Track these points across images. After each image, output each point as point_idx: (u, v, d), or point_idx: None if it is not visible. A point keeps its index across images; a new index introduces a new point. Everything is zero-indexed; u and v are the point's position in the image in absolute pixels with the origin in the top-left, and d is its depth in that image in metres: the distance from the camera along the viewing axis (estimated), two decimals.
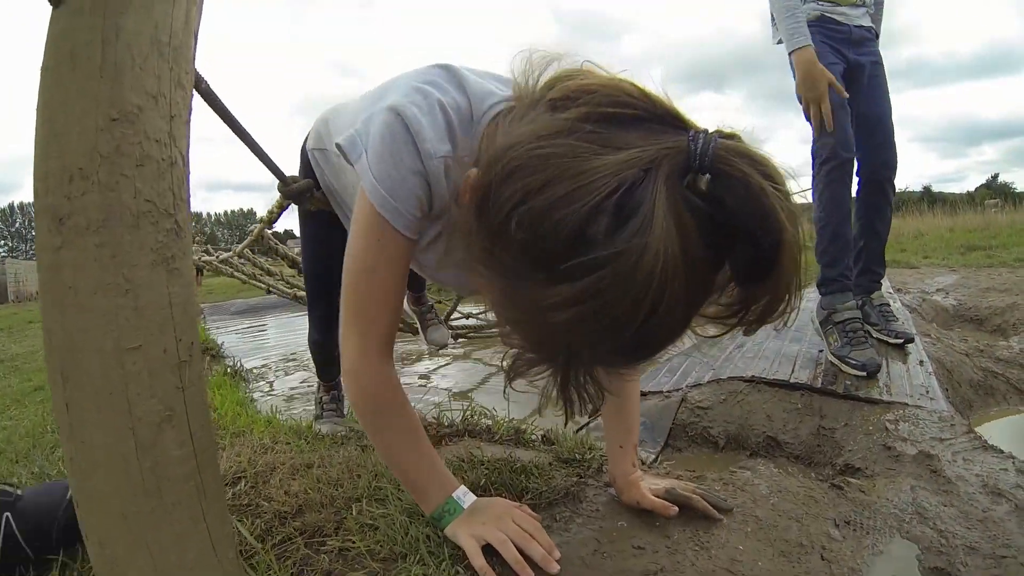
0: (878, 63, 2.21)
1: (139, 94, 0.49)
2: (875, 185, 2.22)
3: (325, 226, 1.36)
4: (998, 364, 2.44)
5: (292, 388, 3.95)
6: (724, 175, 0.48)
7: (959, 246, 8.09)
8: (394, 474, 0.98)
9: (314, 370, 2.01)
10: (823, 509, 1.14)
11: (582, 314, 0.49)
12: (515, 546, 0.88)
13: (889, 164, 2.20)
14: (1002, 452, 1.42)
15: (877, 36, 2.25)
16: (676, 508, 1.04)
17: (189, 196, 0.58)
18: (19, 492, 0.96)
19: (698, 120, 0.54)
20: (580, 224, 0.48)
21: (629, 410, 1.12)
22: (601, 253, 0.47)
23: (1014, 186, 57.62)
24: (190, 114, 0.56)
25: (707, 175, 0.48)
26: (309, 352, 1.91)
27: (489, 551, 0.88)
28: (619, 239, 0.47)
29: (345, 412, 2.00)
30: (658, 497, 1.06)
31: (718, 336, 0.58)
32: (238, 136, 1.14)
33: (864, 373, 1.93)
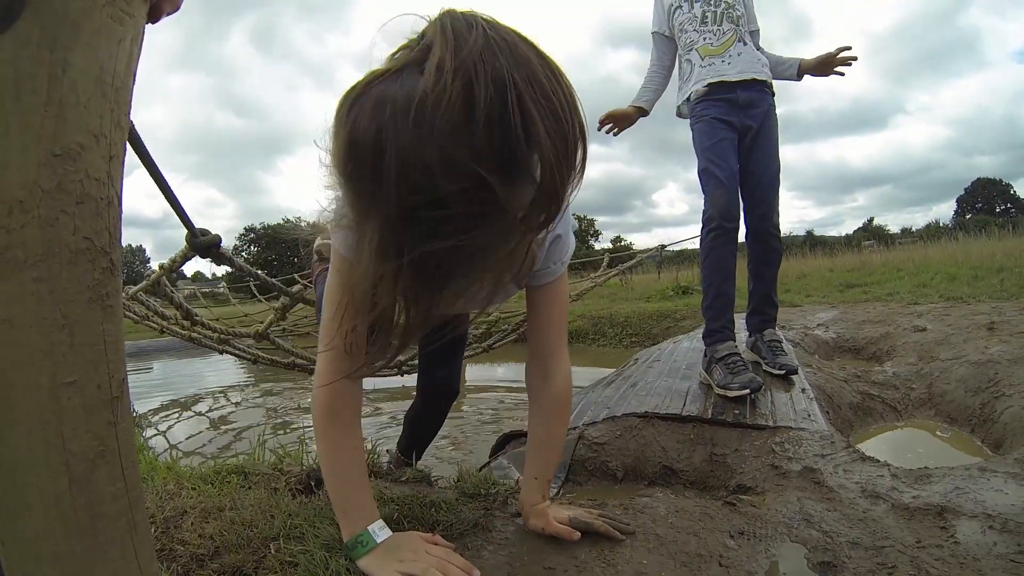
0: (768, 118, 2.41)
1: (82, 133, 0.51)
2: (757, 235, 2.47)
3: None
4: (874, 387, 2.67)
5: (188, 436, 3.75)
6: None
7: (838, 284, 8.60)
8: (328, 487, 1.02)
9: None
10: (718, 524, 1.24)
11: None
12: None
13: (767, 216, 2.42)
14: (878, 461, 1.57)
15: (770, 89, 2.45)
16: (579, 534, 1.11)
17: (121, 236, 0.59)
18: None
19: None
20: None
21: (552, 447, 1.18)
22: None
23: (888, 228, 63.07)
24: (125, 154, 0.58)
25: None
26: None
27: None
28: None
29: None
30: (561, 524, 1.13)
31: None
32: (155, 181, 1.11)
33: (747, 391, 2.08)
